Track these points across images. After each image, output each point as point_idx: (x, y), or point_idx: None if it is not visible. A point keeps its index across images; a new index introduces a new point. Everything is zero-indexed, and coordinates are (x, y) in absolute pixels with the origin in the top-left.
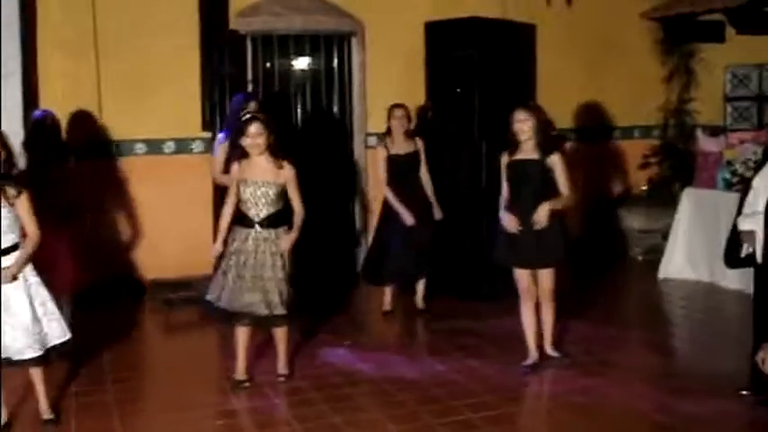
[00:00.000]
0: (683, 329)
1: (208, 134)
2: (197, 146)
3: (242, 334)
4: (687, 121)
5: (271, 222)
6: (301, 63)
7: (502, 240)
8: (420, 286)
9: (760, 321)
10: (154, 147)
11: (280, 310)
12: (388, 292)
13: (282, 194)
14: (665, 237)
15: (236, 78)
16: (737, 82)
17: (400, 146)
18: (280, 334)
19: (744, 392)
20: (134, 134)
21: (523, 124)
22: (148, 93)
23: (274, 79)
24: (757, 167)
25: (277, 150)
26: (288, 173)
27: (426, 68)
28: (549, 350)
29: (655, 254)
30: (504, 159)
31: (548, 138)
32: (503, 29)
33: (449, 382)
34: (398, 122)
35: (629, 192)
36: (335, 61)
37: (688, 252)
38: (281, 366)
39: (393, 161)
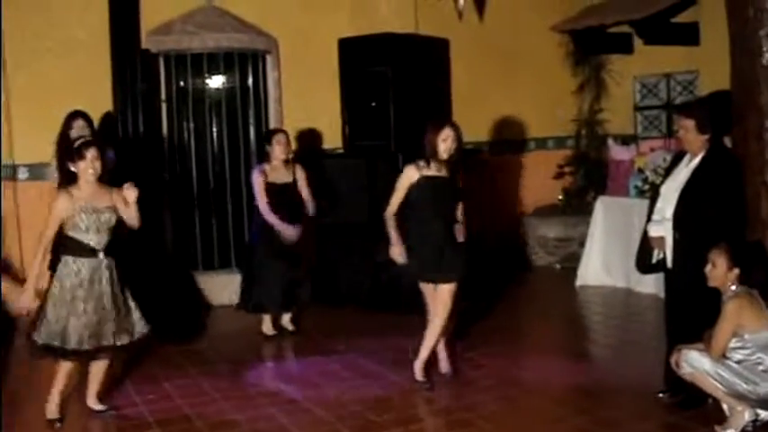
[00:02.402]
0: (601, 335)
1: None
2: None
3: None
4: (599, 130)
5: None
6: (216, 81)
7: (415, 255)
8: (292, 310)
9: (672, 325)
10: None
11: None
12: (266, 318)
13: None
14: (582, 245)
15: (148, 98)
16: (646, 92)
17: (281, 174)
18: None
19: (661, 395)
20: (45, 157)
21: (452, 142)
22: (60, 114)
23: (188, 98)
24: (665, 174)
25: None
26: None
27: (341, 85)
28: (443, 369)
29: (572, 262)
30: (414, 173)
31: (461, 157)
32: (416, 44)
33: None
34: (282, 148)
35: (544, 202)
36: (251, 79)
37: (604, 259)
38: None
39: (272, 188)
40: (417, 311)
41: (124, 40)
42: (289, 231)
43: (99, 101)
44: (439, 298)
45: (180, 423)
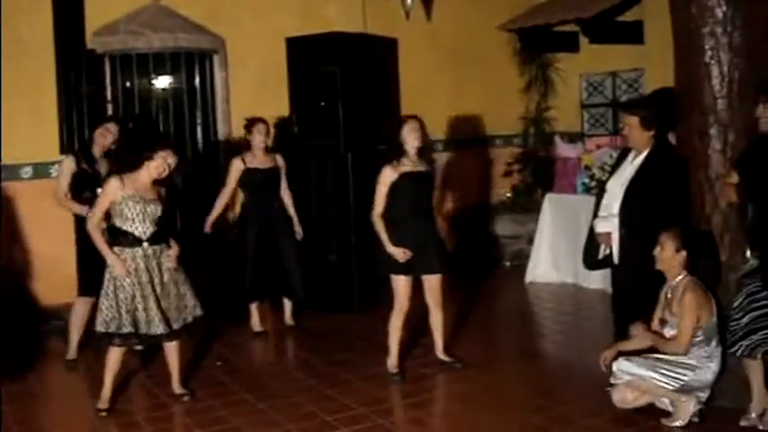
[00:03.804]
0: (551, 331)
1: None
2: (56, 170)
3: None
4: (546, 128)
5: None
6: (162, 82)
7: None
8: (287, 304)
9: (619, 319)
10: (11, 172)
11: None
12: (254, 312)
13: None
14: (531, 242)
15: (94, 99)
16: (592, 89)
17: (259, 160)
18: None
19: (609, 389)
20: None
21: (418, 132)
22: (3, 116)
23: (134, 99)
24: (611, 171)
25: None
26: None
27: (289, 84)
28: (441, 355)
29: (521, 259)
30: (392, 173)
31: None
32: (364, 43)
33: (323, 397)
34: (259, 137)
35: (493, 199)
36: (197, 79)
37: (552, 256)
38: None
39: (250, 174)
40: (369, 311)
41: (69, 41)
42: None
43: (44, 102)
44: (429, 290)
45: None
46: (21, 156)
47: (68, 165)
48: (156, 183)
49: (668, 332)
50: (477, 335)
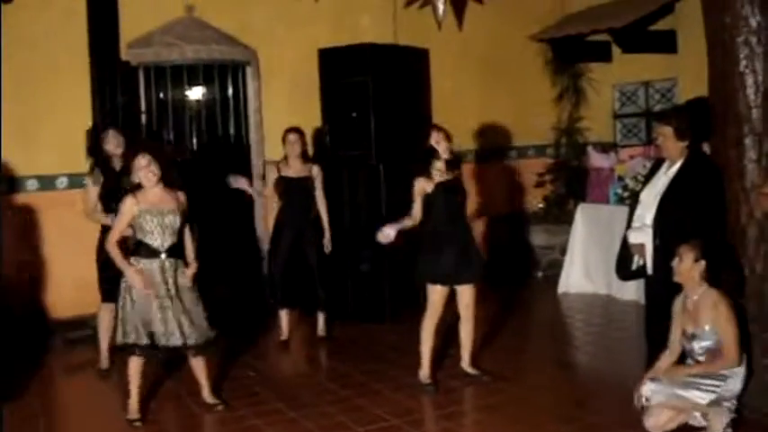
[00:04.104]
0: (583, 342)
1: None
2: None
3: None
4: (578, 138)
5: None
6: (196, 93)
7: (428, 259)
8: (320, 314)
9: (652, 331)
10: (46, 183)
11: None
12: (284, 319)
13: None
14: (563, 252)
15: (128, 110)
16: (625, 99)
17: (295, 169)
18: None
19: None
20: (25, 170)
21: (444, 141)
22: (40, 127)
23: (168, 110)
24: (645, 181)
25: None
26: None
27: (321, 95)
28: (467, 368)
29: (554, 269)
30: (427, 184)
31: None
32: (395, 54)
33: (354, 408)
34: (291, 147)
35: (526, 210)
36: (230, 90)
37: (585, 266)
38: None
39: (284, 182)
40: (400, 321)
41: (104, 53)
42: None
43: (79, 113)
44: (462, 300)
45: None
46: (56, 166)
47: (91, 187)
48: (167, 184)
49: (698, 344)
50: (509, 345)
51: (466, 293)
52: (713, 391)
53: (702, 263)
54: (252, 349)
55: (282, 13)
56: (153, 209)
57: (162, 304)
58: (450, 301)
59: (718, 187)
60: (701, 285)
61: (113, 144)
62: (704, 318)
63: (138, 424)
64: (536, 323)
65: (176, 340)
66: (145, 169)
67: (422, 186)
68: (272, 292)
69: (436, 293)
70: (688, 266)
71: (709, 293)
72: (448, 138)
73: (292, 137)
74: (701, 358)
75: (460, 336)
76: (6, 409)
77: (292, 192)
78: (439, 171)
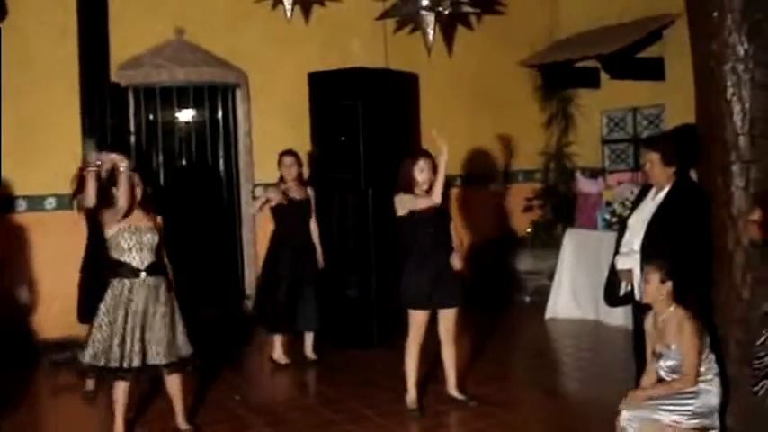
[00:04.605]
0: (571, 368)
1: None
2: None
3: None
4: (567, 164)
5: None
6: (185, 115)
7: (410, 283)
8: (309, 336)
9: (640, 357)
10: (34, 203)
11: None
12: (278, 344)
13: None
14: (551, 277)
15: (117, 131)
16: (613, 125)
17: (292, 191)
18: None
19: None
20: (14, 190)
21: (428, 173)
22: (28, 147)
23: (158, 132)
24: (632, 207)
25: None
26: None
27: (311, 118)
28: (453, 392)
29: (541, 295)
30: (411, 199)
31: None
32: (385, 78)
33: None
34: (288, 170)
35: (514, 235)
36: (220, 112)
37: (573, 291)
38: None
39: (282, 205)
40: (388, 345)
41: (94, 74)
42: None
43: (68, 134)
44: (443, 323)
45: None
46: (45, 187)
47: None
48: (143, 206)
49: (663, 364)
50: (496, 371)
51: (447, 317)
52: (687, 410)
53: (669, 284)
54: (237, 372)
55: (273, 36)
56: (132, 226)
57: (143, 322)
58: (434, 324)
59: (705, 213)
60: (670, 305)
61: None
62: (670, 337)
63: None
64: (523, 349)
65: (155, 359)
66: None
67: (408, 198)
68: (267, 317)
69: (418, 317)
70: (654, 287)
71: (675, 313)
72: (434, 168)
73: (288, 160)
74: (667, 377)
75: (443, 360)
76: None
77: (291, 215)
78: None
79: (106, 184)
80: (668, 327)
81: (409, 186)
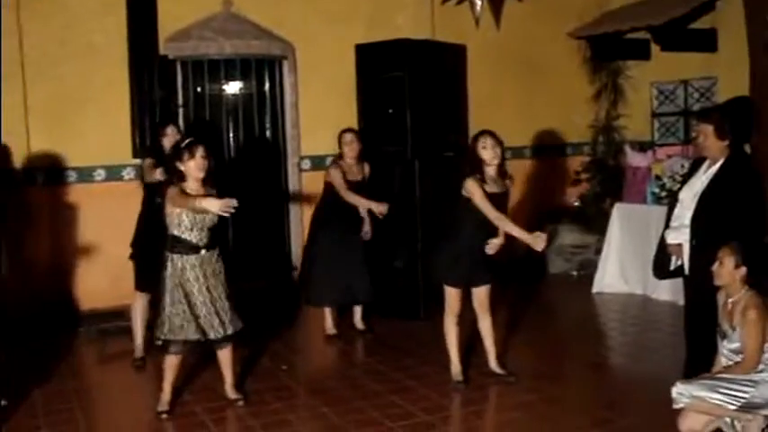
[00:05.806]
0: (617, 342)
1: (138, 161)
2: (127, 173)
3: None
4: (616, 137)
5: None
6: (233, 87)
7: (442, 259)
8: (358, 307)
9: (692, 332)
10: (84, 174)
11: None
12: (328, 315)
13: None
14: (598, 252)
15: (165, 104)
16: (663, 98)
17: (351, 170)
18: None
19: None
20: (64, 162)
21: (492, 149)
22: (77, 120)
23: (205, 104)
24: (683, 181)
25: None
26: None
27: (358, 90)
28: (493, 367)
29: (588, 269)
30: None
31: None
32: (432, 50)
33: (387, 404)
34: (349, 147)
35: (562, 208)
36: (267, 85)
37: (620, 266)
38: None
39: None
40: (434, 317)
41: (142, 47)
42: (381, 208)
43: (117, 106)
44: (476, 300)
45: None
46: (93, 158)
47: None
48: (205, 181)
49: (727, 345)
50: (542, 345)
51: (480, 294)
52: (741, 397)
53: (743, 269)
54: (285, 343)
55: (319, 8)
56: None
57: (212, 296)
58: (468, 297)
59: (759, 189)
60: (742, 288)
61: (168, 142)
62: (736, 319)
63: (164, 416)
64: (570, 323)
65: (218, 333)
66: (199, 161)
67: (478, 186)
68: (314, 292)
69: (452, 293)
70: (729, 271)
71: (745, 297)
72: (499, 143)
73: (349, 136)
74: (728, 360)
75: (481, 333)
76: (39, 392)
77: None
78: (491, 180)
79: (170, 159)
80: (736, 309)
81: (478, 165)
